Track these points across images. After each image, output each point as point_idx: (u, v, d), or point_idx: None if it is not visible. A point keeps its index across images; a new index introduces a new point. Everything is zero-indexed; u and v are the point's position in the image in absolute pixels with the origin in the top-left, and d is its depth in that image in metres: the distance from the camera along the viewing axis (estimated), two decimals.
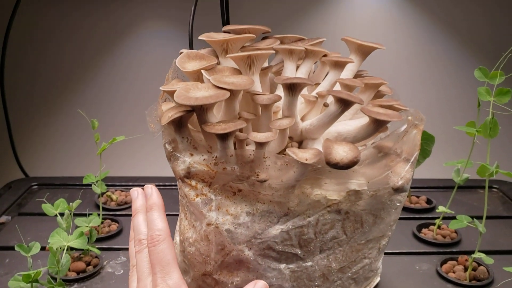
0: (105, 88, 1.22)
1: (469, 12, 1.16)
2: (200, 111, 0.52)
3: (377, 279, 0.68)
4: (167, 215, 0.54)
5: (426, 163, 0.93)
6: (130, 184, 1.10)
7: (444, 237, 0.86)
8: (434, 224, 0.88)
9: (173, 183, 1.08)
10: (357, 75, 0.63)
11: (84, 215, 0.77)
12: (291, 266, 0.57)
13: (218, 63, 0.60)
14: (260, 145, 0.52)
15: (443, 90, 1.21)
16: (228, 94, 0.51)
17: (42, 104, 1.23)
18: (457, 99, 1.21)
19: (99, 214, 0.78)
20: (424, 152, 0.92)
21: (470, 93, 1.18)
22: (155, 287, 0.47)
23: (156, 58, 1.19)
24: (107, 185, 0.90)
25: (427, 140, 0.91)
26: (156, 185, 1.08)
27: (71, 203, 0.72)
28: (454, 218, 0.75)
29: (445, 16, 1.17)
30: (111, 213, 0.94)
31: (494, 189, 1.07)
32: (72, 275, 0.72)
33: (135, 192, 0.57)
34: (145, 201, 0.56)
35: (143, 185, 1.05)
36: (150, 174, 1.16)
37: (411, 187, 1.05)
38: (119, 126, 1.19)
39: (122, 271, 0.75)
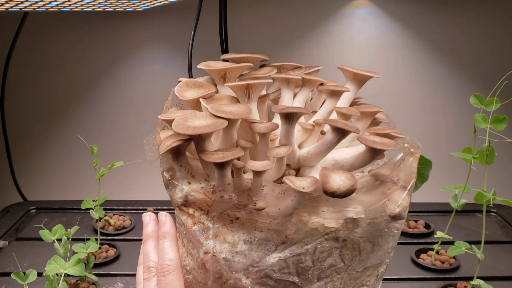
0: (104, 112, 1.23)
1: (465, 39, 1.17)
2: (198, 139, 0.53)
3: None
4: None
5: (424, 187, 0.93)
6: (129, 208, 1.10)
7: (443, 262, 0.86)
8: (432, 249, 0.88)
9: (171, 207, 1.08)
10: (353, 103, 0.64)
11: (82, 240, 0.77)
12: None
13: (217, 91, 0.61)
14: (257, 173, 0.53)
15: (439, 114, 1.22)
16: (226, 123, 0.52)
17: (42, 128, 1.24)
18: (454, 124, 1.22)
19: (96, 239, 0.78)
20: (422, 176, 0.92)
21: (466, 117, 1.19)
22: None
23: (156, 82, 1.20)
24: (105, 209, 0.90)
25: (424, 165, 0.91)
26: (154, 209, 1.08)
27: (68, 229, 0.72)
28: (452, 243, 0.75)
29: (441, 42, 1.18)
30: (109, 238, 0.94)
31: (492, 213, 1.07)
32: None
33: (147, 217, 0.57)
34: (157, 228, 0.56)
35: (142, 209, 1.05)
36: (148, 198, 1.16)
37: (409, 211, 1.05)
38: (117, 150, 1.20)
39: None
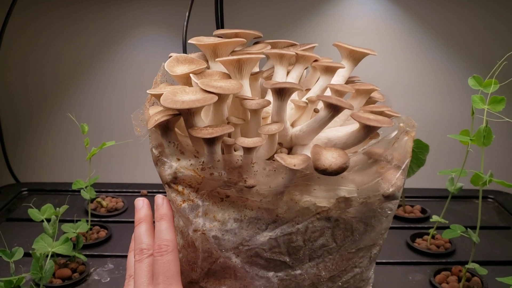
0: (97, 93, 1.22)
1: (462, 21, 1.16)
2: (187, 115, 0.52)
3: None
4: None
5: (420, 172, 0.93)
6: (123, 190, 1.09)
7: (438, 247, 0.85)
8: (428, 234, 0.87)
9: (164, 190, 1.07)
10: (348, 81, 0.62)
11: (73, 221, 0.76)
12: (279, 274, 0.56)
13: (208, 68, 0.60)
14: (248, 150, 0.51)
15: (437, 99, 1.21)
16: (215, 98, 0.50)
17: (34, 109, 1.23)
18: (451, 108, 1.20)
19: (87, 221, 0.76)
20: (418, 160, 0.91)
21: (464, 102, 1.17)
22: None
23: (149, 63, 1.18)
24: (97, 192, 0.89)
25: (421, 149, 0.90)
26: (148, 192, 1.08)
27: (57, 209, 0.71)
28: (448, 227, 0.74)
29: (439, 25, 1.16)
30: (102, 219, 0.93)
31: (489, 199, 1.06)
32: (58, 282, 0.70)
33: (140, 202, 0.56)
34: (150, 212, 0.55)
35: (136, 192, 1.03)
36: (142, 181, 1.15)
37: (406, 196, 1.05)
38: (110, 132, 1.18)
39: (108, 279, 0.74)
